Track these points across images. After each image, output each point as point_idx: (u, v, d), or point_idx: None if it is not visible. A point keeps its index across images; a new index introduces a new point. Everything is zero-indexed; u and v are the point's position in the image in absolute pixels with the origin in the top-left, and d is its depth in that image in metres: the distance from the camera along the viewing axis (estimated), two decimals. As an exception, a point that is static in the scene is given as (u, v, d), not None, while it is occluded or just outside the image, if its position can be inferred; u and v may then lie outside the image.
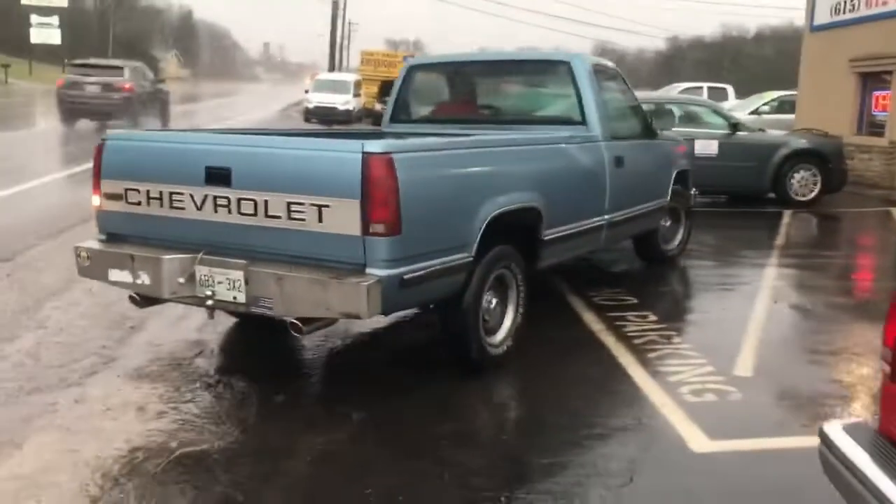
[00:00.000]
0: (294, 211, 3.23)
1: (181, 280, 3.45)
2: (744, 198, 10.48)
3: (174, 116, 22.31)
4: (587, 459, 3.10)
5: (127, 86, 18.34)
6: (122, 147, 3.78)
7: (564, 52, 6.11)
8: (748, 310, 5.23)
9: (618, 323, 4.88)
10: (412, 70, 5.70)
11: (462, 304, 3.66)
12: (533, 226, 4.13)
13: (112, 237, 3.78)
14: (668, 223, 6.36)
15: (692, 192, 6.59)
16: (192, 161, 3.46)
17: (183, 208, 3.49)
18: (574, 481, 2.92)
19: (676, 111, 10.41)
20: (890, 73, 12.88)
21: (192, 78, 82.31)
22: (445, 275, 3.48)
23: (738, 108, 17.10)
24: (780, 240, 8.04)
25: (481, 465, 3.06)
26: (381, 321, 4.56)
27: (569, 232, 4.48)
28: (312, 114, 24.76)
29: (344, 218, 3.13)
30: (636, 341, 4.53)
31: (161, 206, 3.55)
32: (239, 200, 3.34)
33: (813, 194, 10.09)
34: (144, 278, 3.51)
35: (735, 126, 10.03)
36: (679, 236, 6.55)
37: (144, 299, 3.70)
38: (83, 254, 3.71)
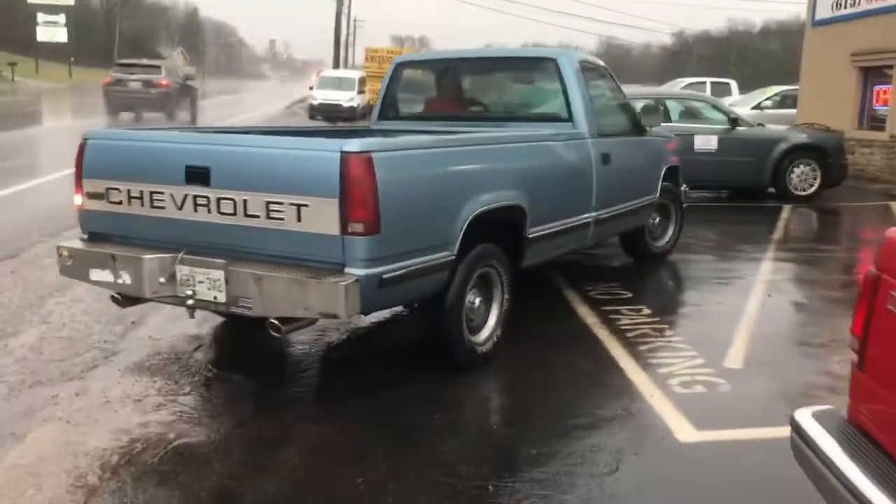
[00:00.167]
0: (273, 210, 3.23)
1: (162, 280, 3.45)
2: (744, 193, 10.52)
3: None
4: (574, 449, 3.17)
5: (164, 82, 21.63)
6: (103, 146, 3.77)
7: (551, 49, 6.13)
8: (742, 303, 5.28)
9: (612, 316, 4.94)
10: (399, 67, 5.71)
11: (445, 302, 3.66)
12: (517, 224, 4.13)
13: (94, 237, 3.79)
14: (658, 220, 6.35)
15: (683, 189, 6.57)
16: (172, 160, 3.46)
17: (163, 208, 3.50)
18: (560, 470, 2.98)
19: (676, 107, 10.49)
20: (891, 67, 12.86)
21: (197, 75, 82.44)
22: (427, 274, 3.47)
23: (741, 102, 17.11)
24: (777, 234, 8.09)
25: (470, 455, 3.13)
26: (377, 316, 4.63)
27: (554, 230, 4.48)
28: (317, 110, 24.81)
29: (322, 217, 3.13)
30: (629, 334, 4.60)
31: (142, 205, 3.55)
32: (218, 200, 3.34)
33: (813, 189, 10.12)
34: (125, 278, 3.51)
35: (734, 121, 10.06)
36: (669, 233, 6.52)
37: (126, 299, 3.69)
38: (65, 253, 3.71)
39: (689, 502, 2.86)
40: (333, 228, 3.11)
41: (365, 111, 25.53)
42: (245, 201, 3.28)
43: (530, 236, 4.21)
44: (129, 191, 3.59)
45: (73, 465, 2.95)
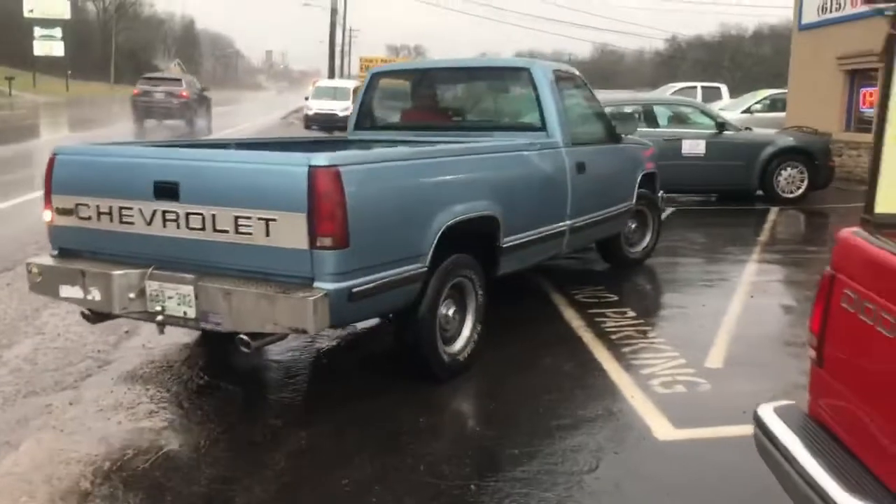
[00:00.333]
0: (241, 225, 3.22)
1: (132, 295, 3.43)
2: (733, 196, 10.63)
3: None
4: (555, 449, 3.25)
5: (184, 93, 24.91)
6: (72, 162, 3.75)
7: (524, 59, 6.16)
8: (725, 305, 5.38)
9: (597, 319, 5.03)
10: (375, 77, 5.73)
11: (418, 314, 3.66)
12: (491, 233, 4.13)
13: (64, 253, 3.76)
14: (634, 226, 6.38)
15: (660, 195, 6.61)
16: (140, 175, 3.46)
17: (132, 223, 3.49)
18: (542, 469, 3.07)
19: (665, 112, 10.61)
20: (877, 69, 12.98)
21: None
22: (398, 286, 3.47)
23: (732, 106, 17.26)
24: (764, 236, 8.19)
25: (454, 456, 3.21)
26: (365, 322, 4.71)
27: (529, 239, 4.49)
28: (313, 120, 24.92)
29: (291, 232, 3.12)
30: (613, 337, 4.69)
31: (111, 220, 3.54)
32: (187, 215, 3.33)
33: (800, 191, 10.24)
34: (95, 294, 3.49)
35: (722, 126, 10.18)
36: (646, 240, 6.54)
37: (96, 315, 3.68)
38: (34, 270, 3.68)
39: (665, 498, 2.94)
40: (302, 243, 3.11)
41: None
42: (214, 216, 3.27)
43: (504, 246, 4.22)
44: (98, 206, 3.57)
45: (65, 471, 3.02)
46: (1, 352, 4.35)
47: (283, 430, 3.45)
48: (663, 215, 9.28)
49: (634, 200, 6.03)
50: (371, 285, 3.30)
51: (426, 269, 3.61)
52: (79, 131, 22.23)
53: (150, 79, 26.79)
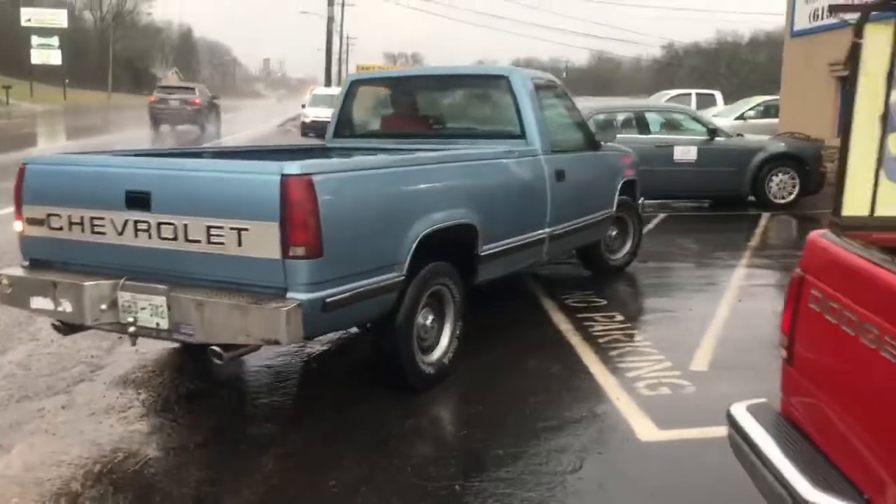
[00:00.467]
0: (214, 235, 3.17)
1: (104, 307, 3.38)
2: (726, 201, 10.71)
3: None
4: (540, 450, 3.30)
5: (197, 101, 27.14)
6: (43, 171, 3.70)
7: (504, 67, 6.17)
8: (713, 309, 5.44)
9: (586, 323, 5.09)
10: (354, 85, 5.72)
11: (395, 323, 3.63)
12: (469, 242, 4.11)
13: (35, 263, 3.71)
14: (615, 233, 6.38)
15: (640, 202, 6.61)
16: (112, 185, 3.41)
17: (104, 233, 3.44)
18: (526, 469, 3.12)
19: (657, 119, 10.70)
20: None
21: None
22: (374, 295, 3.43)
23: (725, 112, 17.37)
24: (754, 241, 8.26)
25: (440, 458, 3.26)
26: (355, 328, 4.76)
27: (508, 246, 4.47)
28: (310, 128, 24.94)
29: (263, 241, 3.08)
30: (601, 340, 4.74)
31: (83, 231, 3.49)
32: (159, 225, 3.29)
33: (792, 197, 10.32)
34: (66, 305, 3.43)
35: (713, 132, 10.26)
36: (627, 247, 6.53)
37: (67, 326, 3.62)
38: (4, 281, 3.62)
39: (647, 497, 2.99)
40: (274, 252, 3.07)
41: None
42: (186, 226, 3.23)
43: (483, 254, 4.20)
44: (69, 217, 3.52)
45: (56, 474, 3.07)
46: (-5, 357, 4.40)
47: (271, 433, 3.50)
48: (655, 221, 9.43)
49: (615, 208, 6.03)
50: (346, 295, 3.26)
51: (403, 277, 3.58)
52: (76, 140, 22.28)
53: (165, 87, 29.99)
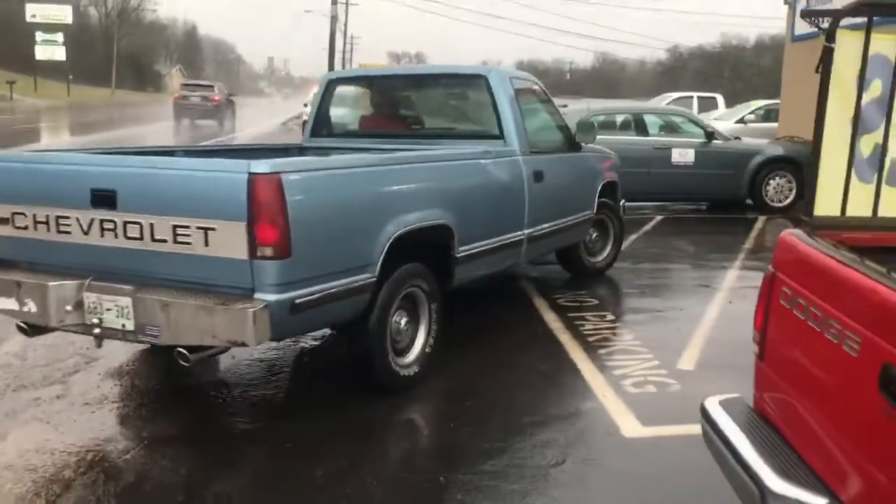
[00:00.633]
0: (180, 234, 3.12)
1: (69, 307, 3.31)
2: (723, 204, 10.76)
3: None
4: (525, 445, 3.36)
5: (216, 97, 30.32)
6: (8, 169, 3.61)
7: (482, 66, 6.13)
8: (703, 309, 5.49)
9: (576, 322, 5.14)
10: (331, 84, 5.65)
11: (367, 325, 3.58)
12: (445, 243, 4.07)
13: (0, 263, 3.63)
14: (595, 235, 6.35)
15: (621, 204, 6.58)
16: (77, 183, 3.33)
17: (70, 233, 3.36)
18: (510, 463, 3.18)
19: (655, 121, 10.76)
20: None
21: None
22: (346, 297, 3.38)
23: (726, 116, 17.41)
24: (749, 244, 8.31)
25: (426, 450, 3.34)
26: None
27: (485, 248, 4.42)
28: (311, 126, 25.10)
29: (230, 241, 3.02)
30: (591, 339, 4.80)
31: (48, 230, 3.41)
32: (125, 224, 3.23)
33: (788, 200, 10.37)
34: (31, 306, 3.37)
35: (711, 135, 10.30)
36: (608, 249, 6.50)
37: (32, 328, 3.53)
38: None
39: (627, 489, 3.05)
40: (241, 252, 3.01)
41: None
42: (152, 225, 3.17)
43: (459, 255, 4.15)
44: (34, 215, 3.44)
45: (50, 461, 3.14)
46: (-8, 348, 4.48)
47: (262, 425, 3.57)
48: (652, 223, 9.49)
49: (595, 210, 5.98)
50: (316, 296, 3.21)
51: (375, 279, 3.54)
52: (78, 136, 22.41)
53: (188, 85, 33.63)
